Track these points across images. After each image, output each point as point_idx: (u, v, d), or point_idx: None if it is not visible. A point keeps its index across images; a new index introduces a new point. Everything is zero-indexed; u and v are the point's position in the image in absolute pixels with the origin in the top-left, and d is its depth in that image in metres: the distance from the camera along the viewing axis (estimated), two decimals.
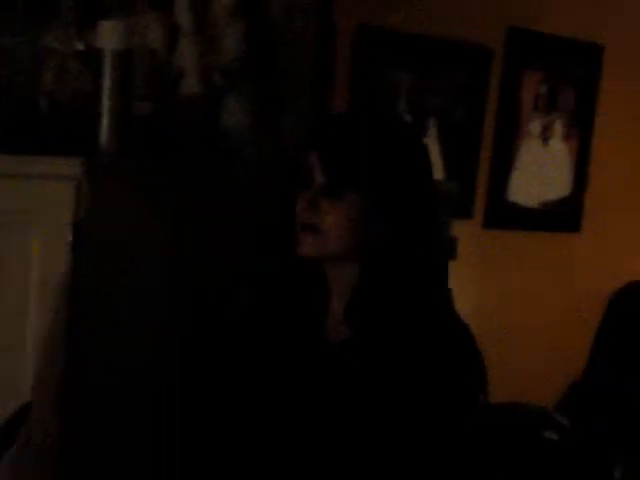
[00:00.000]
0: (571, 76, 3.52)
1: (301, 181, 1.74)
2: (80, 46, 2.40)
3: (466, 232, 3.17)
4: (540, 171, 3.49)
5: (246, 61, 2.41)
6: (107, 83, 2.25)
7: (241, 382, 1.85)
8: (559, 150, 3.52)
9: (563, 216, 3.54)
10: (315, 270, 1.78)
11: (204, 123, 2.37)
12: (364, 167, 1.68)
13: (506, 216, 3.42)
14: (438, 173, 3.16)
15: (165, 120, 2.30)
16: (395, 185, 1.69)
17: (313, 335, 1.79)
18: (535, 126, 3.45)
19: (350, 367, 1.67)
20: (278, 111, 2.46)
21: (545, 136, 3.49)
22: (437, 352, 1.63)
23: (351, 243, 1.70)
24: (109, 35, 2.20)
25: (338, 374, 1.69)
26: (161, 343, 2.16)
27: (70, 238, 2.07)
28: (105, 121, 2.26)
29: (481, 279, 3.36)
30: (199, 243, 2.23)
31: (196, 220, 2.24)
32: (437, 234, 1.74)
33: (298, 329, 1.81)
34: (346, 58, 2.86)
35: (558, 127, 3.51)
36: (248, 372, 1.83)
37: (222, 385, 2.02)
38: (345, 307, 1.72)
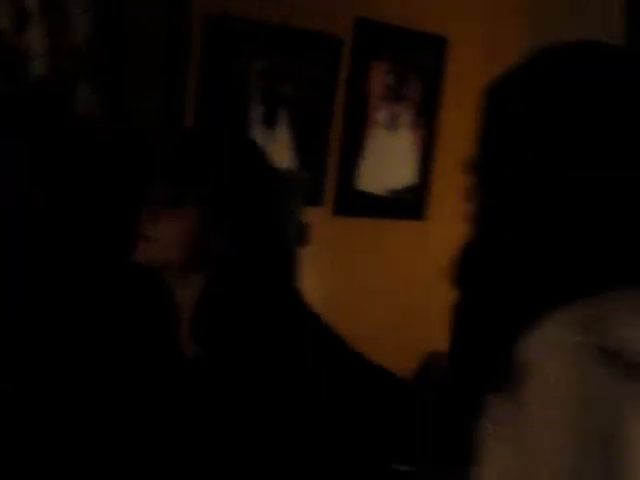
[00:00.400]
0: (417, 67, 3.60)
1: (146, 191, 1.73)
2: None
3: (317, 219, 3.21)
4: (388, 160, 3.57)
5: (96, 45, 2.38)
6: None
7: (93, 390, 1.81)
8: (406, 139, 3.60)
9: (409, 204, 3.63)
10: (158, 281, 1.77)
11: (55, 105, 2.33)
12: (200, 181, 1.69)
13: (355, 203, 3.49)
14: (289, 162, 3.19)
15: (16, 101, 2.25)
16: (230, 199, 1.70)
17: (167, 348, 1.78)
18: (383, 116, 3.52)
19: (203, 385, 1.68)
20: (129, 97, 2.44)
21: (393, 125, 3.57)
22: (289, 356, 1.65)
23: (191, 254, 1.69)
24: None
25: (193, 391, 1.69)
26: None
27: None
28: None
29: (331, 265, 3.42)
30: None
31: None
32: (276, 243, 1.74)
33: (151, 342, 1.80)
34: (199, 47, 2.85)
35: (405, 117, 3.59)
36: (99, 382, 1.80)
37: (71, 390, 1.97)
38: (192, 322, 1.71)
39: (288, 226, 2.07)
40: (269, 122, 3.13)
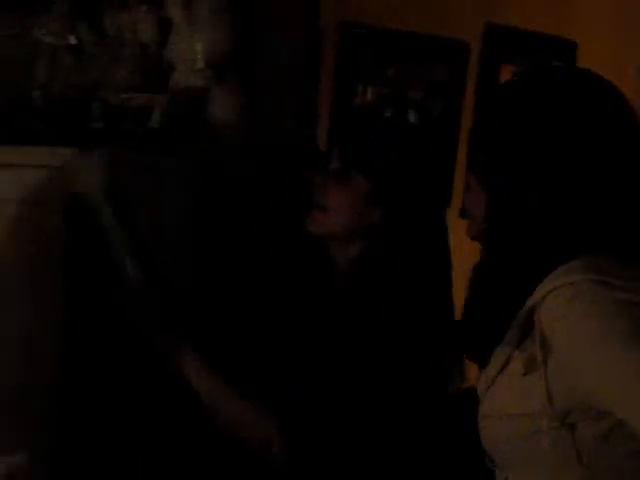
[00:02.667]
0: None
1: (313, 167, 1.89)
2: (72, 40, 2.41)
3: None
4: None
5: (235, 55, 2.43)
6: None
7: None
8: None
9: None
10: (321, 250, 1.89)
11: (194, 115, 2.39)
12: (371, 158, 1.82)
13: None
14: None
15: (158, 113, 2.32)
16: (396, 174, 1.80)
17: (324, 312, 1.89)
18: None
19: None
20: (265, 105, 2.48)
21: None
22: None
23: (353, 224, 1.79)
24: None
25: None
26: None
27: (62, 225, 2.09)
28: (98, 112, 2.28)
29: None
30: (195, 231, 2.26)
31: (182, 208, 2.26)
32: (433, 220, 1.84)
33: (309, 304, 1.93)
34: (330, 54, 2.89)
35: None
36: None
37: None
38: (343, 286, 1.83)
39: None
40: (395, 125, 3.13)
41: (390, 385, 1.69)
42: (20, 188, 2.09)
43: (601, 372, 1.24)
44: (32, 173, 2.09)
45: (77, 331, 2.09)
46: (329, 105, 2.88)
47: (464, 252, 3.39)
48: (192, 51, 2.38)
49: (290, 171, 2.28)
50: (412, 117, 3.18)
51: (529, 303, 1.33)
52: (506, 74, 3.44)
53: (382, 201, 1.81)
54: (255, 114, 2.44)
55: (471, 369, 1.71)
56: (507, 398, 1.35)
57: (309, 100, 2.57)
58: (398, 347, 1.71)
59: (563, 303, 1.29)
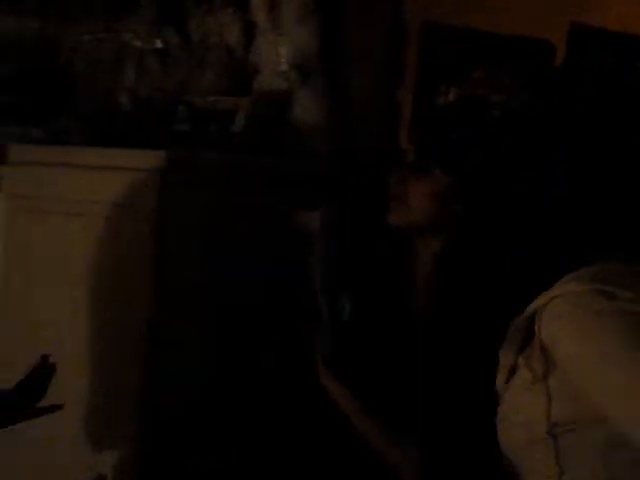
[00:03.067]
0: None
1: (391, 164, 1.88)
2: (159, 43, 2.44)
3: None
4: None
5: (318, 57, 2.43)
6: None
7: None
8: None
9: None
10: (404, 240, 1.89)
11: (278, 118, 2.40)
12: (448, 151, 1.82)
13: None
14: None
15: (243, 115, 2.34)
16: (476, 168, 1.79)
17: (403, 301, 1.90)
18: None
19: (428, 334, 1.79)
20: (350, 106, 2.48)
21: None
22: None
23: (434, 216, 1.80)
24: None
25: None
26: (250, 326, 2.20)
27: (152, 227, 2.11)
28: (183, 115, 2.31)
29: None
30: (271, 234, 2.27)
31: (267, 212, 2.27)
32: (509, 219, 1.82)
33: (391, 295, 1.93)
34: (413, 53, 2.87)
35: None
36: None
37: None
38: (427, 277, 1.83)
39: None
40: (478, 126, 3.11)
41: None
42: (111, 190, 2.13)
43: (602, 384, 1.24)
44: (123, 175, 2.12)
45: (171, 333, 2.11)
46: (411, 104, 2.87)
47: None
48: (277, 54, 2.39)
49: (373, 170, 2.28)
50: (495, 117, 3.15)
51: (530, 309, 1.33)
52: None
53: (462, 195, 1.81)
54: (340, 115, 2.44)
55: None
56: (516, 405, 1.35)
57: (392, 100, 2.56)
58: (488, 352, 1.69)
59: (565, 312, 1.28)
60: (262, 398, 2.19)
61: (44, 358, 1.69)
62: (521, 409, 1.35)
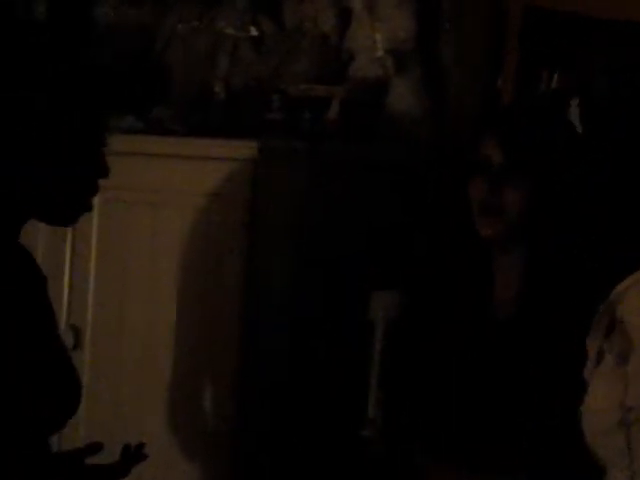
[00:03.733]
0: None
1: (475, 165, 1.74)
2: (254, 31, 2.42)
3: None
4: None
5: (415, 43, 2.38)
6: None
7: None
8: None
9: None
10: (481, 253, 1.79)
11: (372, 106, 2.35)
12: (535, 155, 1.71)
13: None
14: None
15: (337, 104, 2.30)
16: (561, 174, 1.71)
17: (482, 315, 1.80)
18: None
19: (509, 344, 1.72)
20: (447, 93, 2.42)
21: None
22: None
23: (527, 223, 1.72)
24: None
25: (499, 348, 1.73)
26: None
27: (247, 219, 2.10)
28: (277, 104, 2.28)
29: None
30: (364, 225, 2.23)
31: (362, 202, 2.24)
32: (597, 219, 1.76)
33: (467, 309, 1.82)
34: (514, 40, 2.80)
35: None
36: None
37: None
38: (519, 286, 1.75)
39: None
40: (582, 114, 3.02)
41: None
42: (205, 180, 2.12)
43: None
44: (216, 165, 2.11)
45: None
46: (512, 93, 2.79)
47: None
48: (372, 40, 2.34)
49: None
50: (596, 105, 3.06)
51: (613, 296, 1.35)
52: None
53: (551, 203, 1.72)
54: (437, 103, 2.38)
55: None
56: (597, 391, 1.34)
57: (492, 87, 2.49)
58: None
59: None
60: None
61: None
62: (600, 395, 1.34)
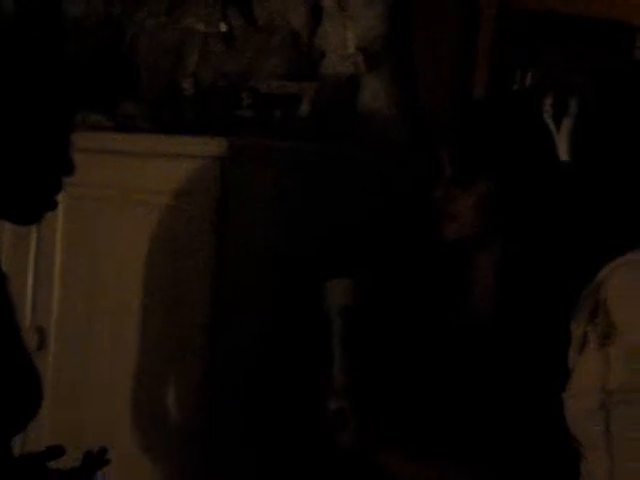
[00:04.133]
0: None
1: (436, 171, 1.80)
2: (223, 27, 2.39)
3: None
4: None
5: (387, 40, 2.36)
6: None
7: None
8: None
9: None
10: (456, 253, 1.83)
11: (344, 103, 2.33)
12: (488, 158, 1.76)
13: None
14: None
15: (308, 101, 2.27)
16: (517, 174, 1.75)
17: (459, 308, 1.84)
18: None
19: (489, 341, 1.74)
20: (418, 91, 2.40)
21: None
22: None
23: (482, 226, 1.76)
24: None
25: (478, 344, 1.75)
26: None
27: (215, 217, 2.07)
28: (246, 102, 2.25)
29: None
30: (333, 222, 2.22)
31: (332, 201, 2.22)
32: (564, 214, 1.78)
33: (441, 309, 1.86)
34: (487, 37, 2.79)
35: None
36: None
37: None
38: (494, 284, 1.78)
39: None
40: (556, 113, 3.02)
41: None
42: (174, 178, 2.09)
43: None
44: (185, 163, 2.08)
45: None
46: (485, 92, 2.78)
47: None
48: (344, 37, 2.32)
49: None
50: (573, 105, 3.06)
51: (597, 278, 1.37)
52: None
53: (512, 203, 1.76)
54: (408, 101, 2.36)
55: None
56: (580, 376, 1.37)
57: (465, 86, 2.48)
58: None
59: (627, 279, 1.33)
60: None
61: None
62: (582, 379, 1.36)
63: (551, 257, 1.77)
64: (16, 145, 1.27)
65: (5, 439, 1.35)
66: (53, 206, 1.35)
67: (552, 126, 3.02)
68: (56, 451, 1.45)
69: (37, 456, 1.47)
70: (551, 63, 2.89)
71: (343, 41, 2.32)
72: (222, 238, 2.06)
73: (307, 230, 2.16)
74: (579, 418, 1.35)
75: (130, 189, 2.15)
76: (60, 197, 2.19)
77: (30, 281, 2.27)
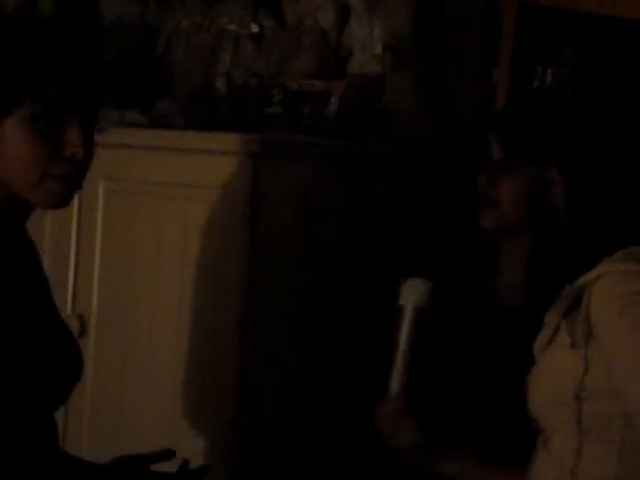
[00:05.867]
0: None
1: (480, 159, 1.80)
2: (255, 28, 2.46)
3: None
4: None
5: (413, 39, 2.41)
6: None
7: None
8: None
9: None
10: (489, 242, 1.85)
11: (371, 101, 2.38)
12: (536, 142, 1.74)
13: None
14: None
15: (336, 99, 2.33)
16: (567, 158, 1.73)
17: (489, 301, 1.85)
18: None
19: (516, 333, 1.73)
20: (444, 89, 2.45)
21: None
22: None
23: (527, 214, 1.76)
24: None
25: (515, 335, 1.74)
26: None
27: (248, 212, 2.13)
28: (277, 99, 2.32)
29: None
30: (364, 219, 2.26)
31: (360, 196, 2.26)
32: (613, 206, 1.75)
33: (473, 296, 1.87)
34: (509, 37, 2.82)
35: None
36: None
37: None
38: (525, 274, 1.79)
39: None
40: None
41: None
42: (207, 173, 2.15)
43: (623, 359, 1.35)
44: (218, 158, 2.14)
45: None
46: (508, 88, 2.82)
47: None
48: (370, 36, 2.37)
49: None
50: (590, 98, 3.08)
51: (581, 281, 1.42)
52: None
53: (554, 191, 1.76)
54: (434, 99, 2.41)
55: None
56: (555, 363, 1.44)
57: (488, 84, 2.52)
58: None
59: (610, 289, 1.39)
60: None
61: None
62: (556, 369, 1.44)
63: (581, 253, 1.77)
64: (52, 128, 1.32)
65: (50, 408, 1.39)
66: (79, 188, 1.38)
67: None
68: (166, 454, 1.50)
69: (144, 458, 1.51)
70: (572, 61, 2.92)
71: (370, 40, 2.37)
72: (254, 232, 2.12)
73: (337, 224, 2.20)
74: (549, 405, 1.44)
75: (166, 184, 2.22)
76: (100, 190, 2.30)
77: (71, 271, 2.34)
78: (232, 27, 2.44)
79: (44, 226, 2.26)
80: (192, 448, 2.12)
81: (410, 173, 2.32)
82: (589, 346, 1.39)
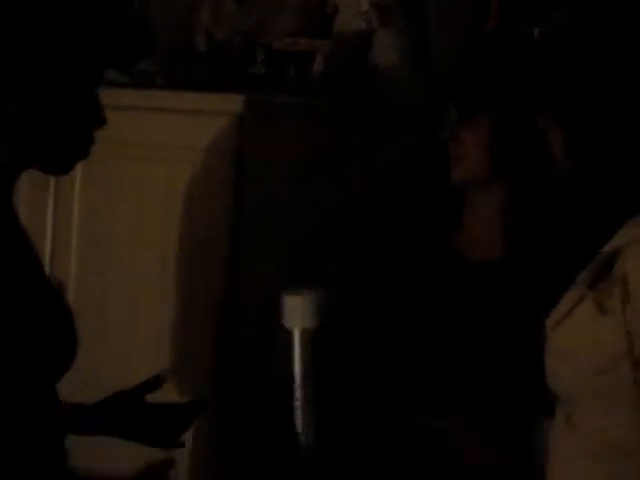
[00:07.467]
0: None
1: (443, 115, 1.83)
2: None
3: None
4: None
5: None
6: None
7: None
8: None
9: None
10: (455, 197, 1.85)
11: (357, 60, 2.33)
12: (490, 95, 1.79)
13: None
14: None
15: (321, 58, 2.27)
16: (516, 109, 1.76)
17: (449, 254, 1.85)
18: None
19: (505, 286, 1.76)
20: (429, 47, 2.40)
21: None
22: None
23: (492, 165, 1.77)
24: None
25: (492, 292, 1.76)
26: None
27: (231, 172, 2.08)
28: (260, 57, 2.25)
29: None
30: (348, 180, 2.22)
31: (345, 156, 2.22)
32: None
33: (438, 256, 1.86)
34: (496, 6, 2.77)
35: None
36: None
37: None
38: (503, 225, 1.79)
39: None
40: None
41: None
42: (191, 134, 2.09)
43: None
44: (200, 119, 2.08)
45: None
46: (495, 45, 2.77)
47: None
48: None
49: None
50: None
51: (609, 247, 1.35)
52: None
53: (513, 140, 1.77)
54: (420, 57, 2.36)
55: None
56: (578, 335, 1.36)
57: (474, 42, 2.47)
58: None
59: None
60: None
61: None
62: (586, 340, 1.35)
63: (554, 197, 1.76)
64: (47, 95, 1.29)
65: (51, 380, 1.36)
66: (84, 155, 1.37)
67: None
68: (158, 381, 1.50)
69: (135, 390, 1.51)
70: (557, 20, 2.88)
71: None
72: (239, 192, 2.07)
73: (322, 185, 2.16)
74: (582, 377, 1.35)
75: (146, 145, 2.16)
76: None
77: (49, 234, 2.28)
78: None
79: (20, 189, 2.18)
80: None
81: (396, 132, 2.28)
82: (627, 317, 1.31)
